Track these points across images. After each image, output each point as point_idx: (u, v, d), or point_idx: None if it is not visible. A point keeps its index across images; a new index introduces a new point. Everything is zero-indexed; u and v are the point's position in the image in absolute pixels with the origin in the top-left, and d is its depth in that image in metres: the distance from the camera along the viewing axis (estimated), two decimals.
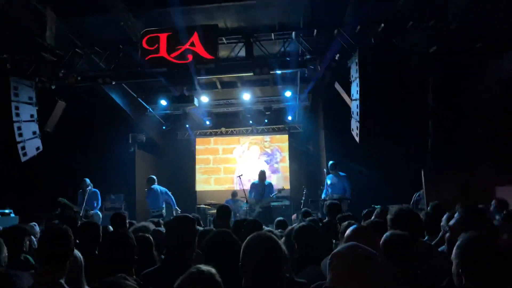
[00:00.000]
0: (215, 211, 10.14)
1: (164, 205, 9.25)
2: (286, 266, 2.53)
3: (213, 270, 1.75)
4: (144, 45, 7.69)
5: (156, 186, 9.21)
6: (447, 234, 2.78)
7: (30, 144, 8.19)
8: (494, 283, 1.52)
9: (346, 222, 3.44)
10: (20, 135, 7.94)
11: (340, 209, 5.57)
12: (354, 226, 2.79)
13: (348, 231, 2.63)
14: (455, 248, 1.76)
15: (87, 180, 8.90)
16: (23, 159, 7.97)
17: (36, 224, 5.55)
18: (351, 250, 1.50)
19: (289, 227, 4.21)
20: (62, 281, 2.26)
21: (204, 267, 1.75)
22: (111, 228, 4.99)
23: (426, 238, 4.08)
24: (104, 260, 2.73)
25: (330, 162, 9.24)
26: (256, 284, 1.92)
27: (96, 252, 3.68)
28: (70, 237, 2.42)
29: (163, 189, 9.29)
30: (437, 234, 3.73)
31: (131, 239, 2.39)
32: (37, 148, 8.37)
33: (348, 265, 1.43)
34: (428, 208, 5.05)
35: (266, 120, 13.17)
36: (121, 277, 1.43)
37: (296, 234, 3.24)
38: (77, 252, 2.68)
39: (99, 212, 8.83)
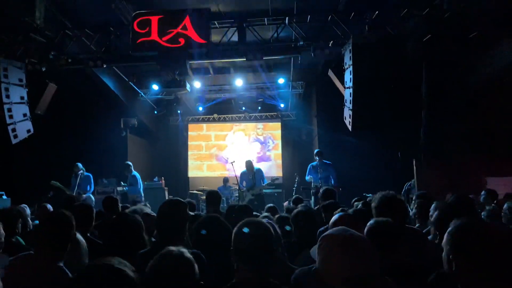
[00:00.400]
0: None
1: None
2: (279, 251, 2.54)
3: (183, 249, 1.77)
4: (135, 28, 7.57)
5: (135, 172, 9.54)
6: (433, 219, 2.78)
7: (21, 126, 8.09)
8: (485, 269, 1.51)
9: (338, 209, 3.45)
10: (11, 117, 7.84)
11: (335, 195, 5.45)
12: (340, 213, 2.80)
13: (333, 218, 2.64)
14: (446, 234, 1.74)
15: (79, 165, 8.99)
16: (14, 141, 7.89)
17: (26, 206, 5.53)
18: (340, 231, 1.50)
19: (278, 215, 4.22)
20: (61, 264, 2.27)
21: (174, 248, 1.77)
22: None
23: (416, 225, 4.12)
24: (105, 242, 2.72)
25: (316, 150, 9.24)
26: (248, 268, 1.93)
27: (88, 235, 3.68)
28: (72, 223, 2.45)
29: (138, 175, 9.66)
30: (426, 223, 3.76)
31: (132, 222, 2.36)
32: (28, 131, 8.27)
33: (338, 246, 1.43)
34: (416, 196, 5.08)
35: (260, 107, 13.12)
36: (115, 260, 1.42)
37: (294, 218, 3.28)
38: (80, 238, 2.68)
39: (91, 196, 8.86)
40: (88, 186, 9.04)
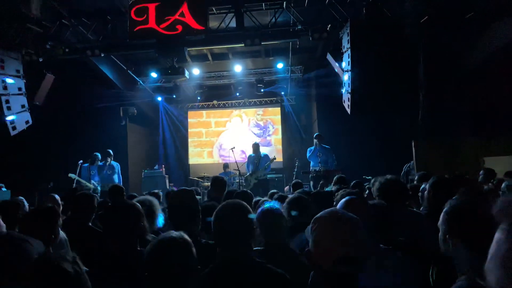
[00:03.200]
0: (208, 183, 10.33)
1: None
2: (284, 233, 2.58)
3: (183, 234, 1.86)
4: (133, 15, 7.54)
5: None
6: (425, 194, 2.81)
7: (19, 117, 8.11)
8: (483, 249, 1.54)
9: (343, 191, 3.49)
10: (9, 108, 7.85)
11: (346, 182, 5.49)
12: (348, 197, 2.84)
13: (340, 202, 2.67)
14: (442, 214, 1.74)
15: (98, 155, 8.79)
16: (13, 133, 7.92)
17: (23, 198, 5.55)
18: (332, 213, 1.53)
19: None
20: None
21: (175, 233, 1.87)
22: None
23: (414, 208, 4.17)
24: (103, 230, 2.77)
25: (316, 133, 9.23)
26: (227, 251, 1.97)
27: (90, 224, 3.73)
28: (55, 216, 2.52)
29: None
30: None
31: (128, 209, 2.39)
32: (27, 122, 8.30)
33: (329, 226, 1.46)
34: (416, 178, 5.14)
35: (261, 91, 13.05)
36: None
37: (287, 205, 3.32)
38: (62, 234, 2.75)
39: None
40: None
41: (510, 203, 0.63)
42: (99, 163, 8.79)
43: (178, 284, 1.78)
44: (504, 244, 0.60)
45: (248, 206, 2.11)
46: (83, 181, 8.45)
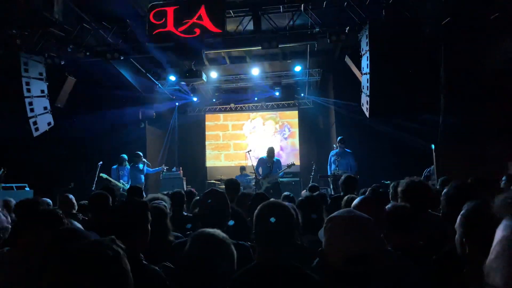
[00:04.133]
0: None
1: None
2: (296, 233, 2.56)
3: (220, 232, 1.84)
4: (151, 19, 7.63)
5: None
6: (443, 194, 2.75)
7: (42, 119, 8.32)
8: None
9: (348, 197, 3.44)
10: (32, 110, 8.07)
11: (356, 183, 5.35)
12: (361, 196, 2.79)
13: (354, 202, 2.62)
14: (459, 216, 1.72)
15: (125, 156, 9.47)
16: (35, 134, 8.12)
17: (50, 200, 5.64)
18: (345, 213, 1.53)
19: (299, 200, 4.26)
20: None
21: (211, 230, 1.85)
22: None
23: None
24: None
25: (340, 137, 9.20)
26: (268, 252, 1.93)
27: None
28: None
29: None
30: None
31: (134, 207, 2.36)
32: (49, 123, 8.50)
33: (342, 226, 1.45)
34: (438, 183, 5.03)
35: (278, 93, 13.01)
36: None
37: (298, 205, 3.31)
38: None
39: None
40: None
41: (509, 198, 0.59)
42: (127, 165, 9.52)
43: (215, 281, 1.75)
44: (510, 241, 0.57)
45: (289, 207, 2.07)
46: (113, 181, 8.99)
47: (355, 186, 5.10)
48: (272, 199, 2.16)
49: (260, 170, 9.24)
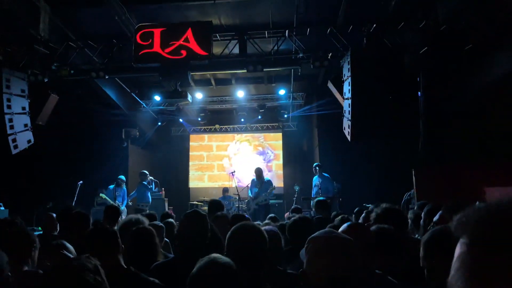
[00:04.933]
0: (207, 207, 10.28)
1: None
2: (277, 258, 2.55)
3: (228, 259, 1.74)
4: (138, 40, 7.70)
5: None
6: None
7: (22, 136, 8.15)
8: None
9: (339, 217, 3.51)
10: (12, 127, 7.90)
11: (326, 205, 5.69)
12: (349, 222, 2.83)
13: (342, 227, 2.66)
14: (421, 242, 1.85)
15: (123, 177, 9.72)
16: (14, 151, 7.94)
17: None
18: (326, 234, 1.55)
19: (280, 222, 4.28)
20: (27, 267, 2.43)
21: (218, 256, 1.74)
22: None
23: (416, 235, 4.15)
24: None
25: (315, 164, 9.38)
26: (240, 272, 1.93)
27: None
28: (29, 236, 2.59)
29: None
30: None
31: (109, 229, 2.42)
32: (29, 141, 8.34)
33: (322, 246, 1.47)
34: (416, 207, 5.13)
35: (260, 117, 13.15)
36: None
37: (289, 228, 3.32)
38: None
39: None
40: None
41: (465, 216, 0.65)
42: (124, 187, 9.73)
43: None
44: (467, 256, 0.61)
45: (262, 230, 2.07)
46: (109, 200, 9.17)
47: (325, 207, 5.71)
48: (244, 222, 2.17)
49: (254, 192, 9.30)
